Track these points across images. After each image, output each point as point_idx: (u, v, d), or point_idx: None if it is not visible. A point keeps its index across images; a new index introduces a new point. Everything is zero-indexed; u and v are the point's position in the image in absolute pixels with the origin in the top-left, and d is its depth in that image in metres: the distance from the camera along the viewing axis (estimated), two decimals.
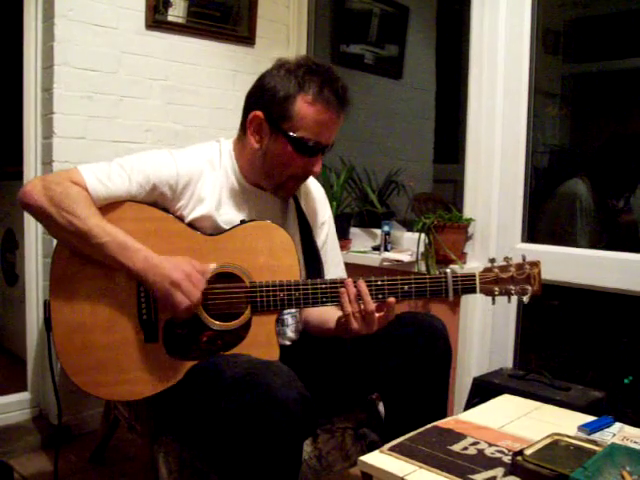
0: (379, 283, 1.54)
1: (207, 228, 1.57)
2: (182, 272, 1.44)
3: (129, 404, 1.78)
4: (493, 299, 1.58)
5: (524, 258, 1.58)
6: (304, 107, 1.52)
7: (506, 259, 1.58)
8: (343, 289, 1.52)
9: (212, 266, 1.49)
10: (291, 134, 1.53)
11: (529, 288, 1.56)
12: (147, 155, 1.60)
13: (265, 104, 1.56)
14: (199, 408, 1.42)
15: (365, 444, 1.72)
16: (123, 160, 1.56)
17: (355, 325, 1.51)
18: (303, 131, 1.53)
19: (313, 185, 1.82)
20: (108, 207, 1.51)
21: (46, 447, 2.37)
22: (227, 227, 1.58)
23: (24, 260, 2.55)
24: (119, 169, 1.53)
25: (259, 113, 1.56)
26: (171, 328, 1.51)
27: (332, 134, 1.59)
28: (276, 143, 1.56)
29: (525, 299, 1.56)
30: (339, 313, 1.58)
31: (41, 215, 1.49)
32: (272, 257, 1.56)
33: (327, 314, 1.68)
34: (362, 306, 1.50)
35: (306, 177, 1.66)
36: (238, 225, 1.58)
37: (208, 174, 1.61)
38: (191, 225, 1.57)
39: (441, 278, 1.55)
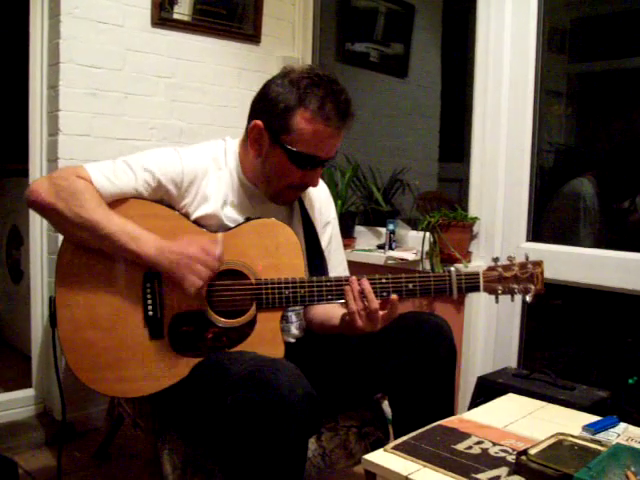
0: (383, 281, 1.54)
1: (212, 226, 1.58)
2: (197, 245, 1.45)
3: (133, 401, 1.78)
4: (496, 298, 1.59)
5: (527, 257, 1.59)
6: (302, 122, 1.51)
7: (509, 258, 1.59)
8: (348, 287, 1.52)
9: (219, 235, 1.51)
10: (289, 147, 1.53)
11: (532, 287, 1.57)
12: (153, 152, 1.60)
13: (266, 114, 1.55)
14: (204, 405, 1.42)
15: (369, 443, 1.72)
16: (129, 158, 1.57)
17: (359, 323, 1.51)
18: (301, 145, 1.53)
19: (318, 185, 1.82)
20: (114, 204, 1.52)
21: (50, 443, 2.37)
22: (232, 225, 1.58)
23: (29, 257, 2.56)
24: (125, 166, 1.54)
25: (259, 122, 1.56)
26: (176, 325, 1.51)
27: (332, 148, 1.58)
28: (274, 154, 1.56)
29: (528, 298, 1.57)
30: (342, 311, 1.59)
31: (49, 211, 1.49)
32: (277, 254, 1.56)
33: (331, 312, 1.68)
34: (366, 304, 1.51)
35: (305, 188, 1.66)
36: (243, 222, 1.58)
37: (213, 172, 1.61)
38: (196, 223, 1.57)
39: (445, 276, 1.56)
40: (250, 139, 1.59)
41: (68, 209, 1.45)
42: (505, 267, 1.58)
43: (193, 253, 1.44)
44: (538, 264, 1.58)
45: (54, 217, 1.51)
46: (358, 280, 1.52)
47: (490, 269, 1.58)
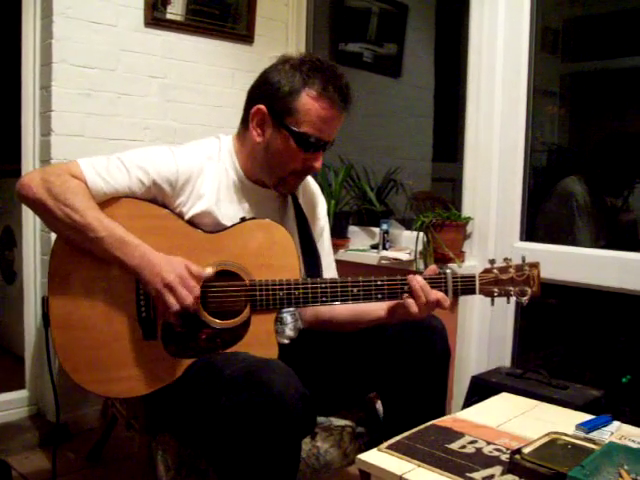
0: (379, 283, 1.54)
1: (207, 224, 1.57)
2: (176, 275, 1.42)
3: (127, 402, 1.77)
4: (492, 300, 1.59)
5: (524, 259, 1.58)
6: (309, 102, 1.52)
7: (506, 260, 1.58)
8: (414, 284, 1.52)
9: (208, 270, 1.48)
10: (294, 129, 1.53)
11: (528, 290, 1.56)
12: (147, 151, 1.59)
13: (269, 98, 1.55)
14: (198, 406, 1.42)
15: (363, 442, 1.72)
16: (123, 155, 1.55)
17: (421, 315, 1.54)
18: (306, 126, 1.53)
19: (309, 180, 1.82)
20: (108, 203, 1.51)
21: (44, 445, 2.36)
22: (227, 223, 1.58)
23: (22, 258, 2.55)
24: (119, 163, 1.53)
25: (262, 107, 1.56)
26: (170, 326, 1.50)
27: (334, 131, 1.59)
28: (278, 137, 1.55)
29: (524, 300, 1.56)
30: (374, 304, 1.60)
31: (39, 208, 1.48)
32: (272, 256, 1.56)
33: (360, 307, 1.66)
34: (423, 298, 1.52)
35: (307, 173, 1.65)
36: (238, 223, 1.58)
37: (208, 170, 1.60)
38: (191, 222, 1.56)
39: (441, 279, 1.56)
40: (252, 124, 1.58)
41: (58, 208, 1.44)
42: (501, 269, 1.57)
43: (170, 281, 1.42)
44: (534, 266, 1.57)
45: (43, 214, 1.49)
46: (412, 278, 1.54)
47: (486, 271, 1.57)
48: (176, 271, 1.43)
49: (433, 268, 1.59)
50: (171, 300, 1.42)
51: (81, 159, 1.53)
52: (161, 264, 1.44)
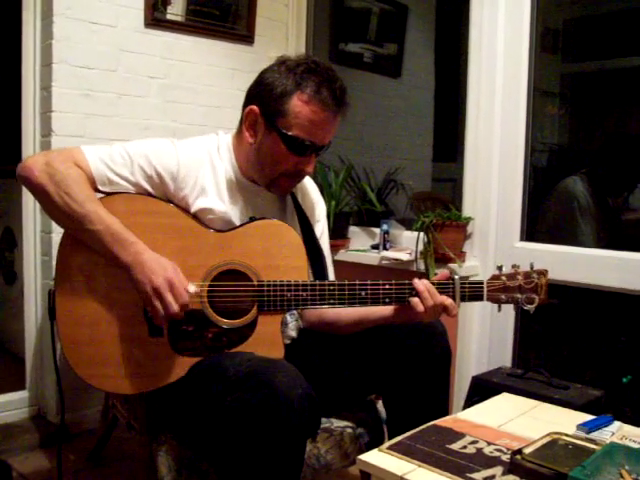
0: (387, 287, 1.54)
1: (212, 221, 1.56)
2: (165, 280, 1.41)
3: (128, 402, 1.77)
4: (499, 307, 1.58)
5: (532, 266, 1.57)
6: (299, 105, 1.51)
7: (514, 267, 1.57)
8: (421, 287, 1.52)
9: (192, 288, 1.47)
10: (285, 132, 1.52)
11: (535, 297, 1.55)
12: (149, 141, 1.59)
13: (262, 99, 1.55)
14: (202, 405, 1.41)
15: (364, 443, 1.72)
16: (126, 144, 1.55)
17: (428, 318, 1.54)
18: (297, 130, 1.52)
19: (308, 181, 1.82)
20: (117, 198, 1.50)
21: (44, 446, 2.36)
22: (234, 221, 1.58)
23: (23, 259, 2.54)
24: (122, 151, 1.53)
25: (255, 108, 1.56)
26: (176, 324, 1.50)
27: (327, 135, 1.57)
28: (269, 139, 1.55)
29: (531, 308, 1.56)
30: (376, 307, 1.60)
31: (39, 192, 1.47)
32: (281, 257, 1.55)
33: (364, 309, 1.65)
34: (430, 301, 1.52)
35: (300, 176, 1.64)
36: (247, 222, 1.57)
37: (208, 165, 1.61)
38: (197, 217, 1.56)
39: (449, 284, 1.55)
40: (246, 125, 1.58)
41: (58, 195, 1.44)
42: (509, 276, 1.56)
43: (158, 286, 1.41)
44: (543, 273, 1.56)
45: (42, 199, 1.49)
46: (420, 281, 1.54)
47: (494, 278, 1.57)
48: (166, 275, 1.42)
49: (444, 274, 1.59)
50: (158, 306, 1.42)
51: (85, 146, 1.53)
52: (152, 266, 1.43)
